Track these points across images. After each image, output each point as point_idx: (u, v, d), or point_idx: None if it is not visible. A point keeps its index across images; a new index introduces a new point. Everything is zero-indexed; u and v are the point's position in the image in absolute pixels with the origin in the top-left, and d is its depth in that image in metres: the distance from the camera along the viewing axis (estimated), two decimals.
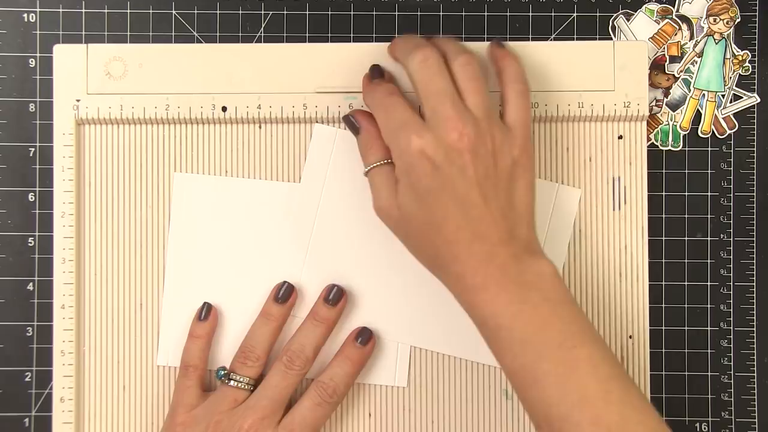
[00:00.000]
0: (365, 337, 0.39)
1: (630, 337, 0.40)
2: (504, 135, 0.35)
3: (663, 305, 0.42)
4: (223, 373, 0.38)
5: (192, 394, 0.38)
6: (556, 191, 0.41)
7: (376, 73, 0.39)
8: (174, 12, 0.42)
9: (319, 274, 0.40)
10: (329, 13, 0.42)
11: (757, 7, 0.42)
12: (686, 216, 0.42)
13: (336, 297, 0.39)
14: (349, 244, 0.40)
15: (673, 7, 0.42)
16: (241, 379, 0.38)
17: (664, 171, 0.42)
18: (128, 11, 0.42)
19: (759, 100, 0.42)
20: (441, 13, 0.42)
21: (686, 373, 0.42)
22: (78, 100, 0.40)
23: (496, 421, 0.40)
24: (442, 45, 0.37)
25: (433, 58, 0.35)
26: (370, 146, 0.37)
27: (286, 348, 0.38)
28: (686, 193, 0.42)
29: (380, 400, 0.41)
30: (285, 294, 0.39)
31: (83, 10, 0.42)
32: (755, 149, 0.42)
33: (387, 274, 0.40)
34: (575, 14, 0.42)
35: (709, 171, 0.42)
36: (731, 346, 0.42)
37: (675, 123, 0.42)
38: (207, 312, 0.40)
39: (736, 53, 0.42)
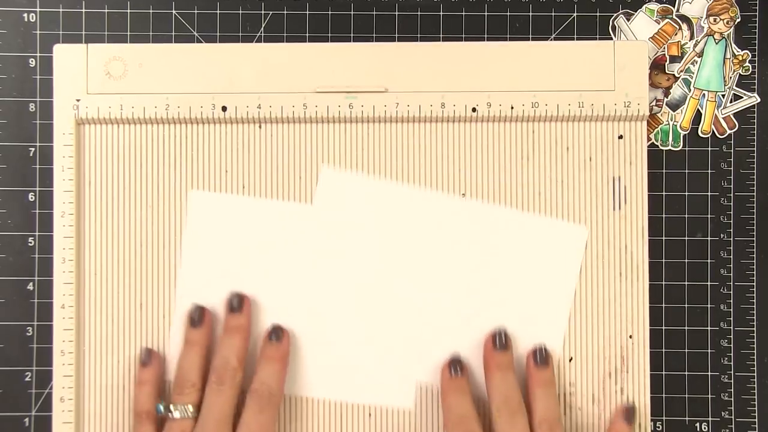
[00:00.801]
0: (278, 333, 0.39)
1: (630, 336, 0.40)
2: None
3: (663, 305, 0.42)
4: (162, 407, 0.38)
5: None
6: (561, 230, 0.40)
7: (456, 367, 0.39)
8: (174, 12, 0.42)
9: (325, 296, 0.40)
10: (329, 13, 0.42)
11: (757, 7, 0.42)
12: (686, 216, 0.42)
13: (238, 303, 0.39)
14: (353, 271, 0.40)
15: (674, 6, 0.42)
16: (181, 408, 0.37)
17: (664, 171, 0.42)
18: (128, 11, 0.42)
19: (759, 100, 0.42)
20: (441, 13, 0.42)
21: (686, 373, 0.42)
22: (78, 100, 0.40)
23: None
24: (533, 399, 0.38)
25: (521, 418, 0.37)
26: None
27: (212, 367, 0.38)
28: (686, 193, 0.42)
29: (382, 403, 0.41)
30: (198, 318, 0.39)
31: (83, 10, 0.42)
32: (755, 149, 0.42)
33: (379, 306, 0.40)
34: (575, 14, 0.42)
35: (709, 171, 0.42)
36: (731, 346, 0.42)
37: (675, 123, 0.42)
38: (150, 358, 0.40)
39: (736, 53, 0.42)
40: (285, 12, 0.42)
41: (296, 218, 0.40)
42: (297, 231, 0.40)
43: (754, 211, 0.42)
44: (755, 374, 0.42)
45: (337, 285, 0.40)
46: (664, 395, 0.42)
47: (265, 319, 0.40)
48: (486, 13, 0.42)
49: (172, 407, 0.38)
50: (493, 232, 0.40)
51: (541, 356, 0.39)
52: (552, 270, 0.40)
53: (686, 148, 0.42)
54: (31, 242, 0.42)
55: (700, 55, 0.42)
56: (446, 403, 0.38)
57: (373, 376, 0.40)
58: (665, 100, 0.42)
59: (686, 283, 0.42)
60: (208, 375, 0.38)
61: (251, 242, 0.40)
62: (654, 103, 0.42)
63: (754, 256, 0.42)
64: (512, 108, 0.40)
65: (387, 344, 0.40)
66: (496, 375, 0.38)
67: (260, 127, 0.41)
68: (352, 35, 0.42)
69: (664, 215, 0.42)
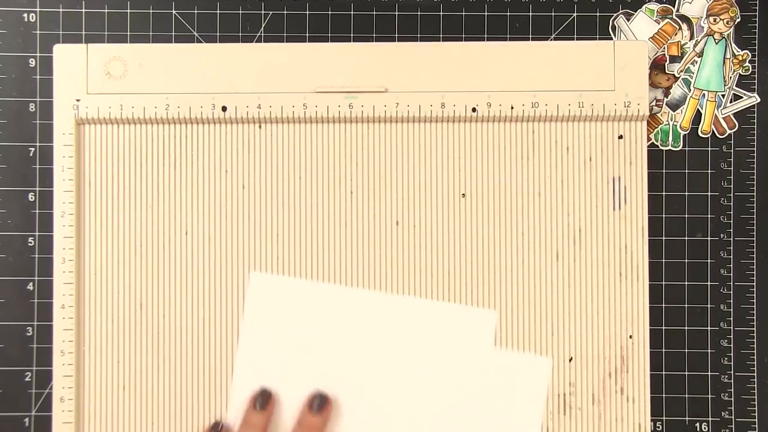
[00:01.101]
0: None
1: (630, 337, 0.40)
2: None
3: (663, 305, 0.42)
4: None
5: None
6: (524, 363, 0.40)
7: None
8: (174, 12, 0.42)
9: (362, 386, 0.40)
10: (329, 13, 0.42)
11: (757, 7, 0.42)
12: (686, 216, 0.42)
13: (263, 402, 0.39)
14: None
15: (674, 6, 0.42)
16: None
17: (664, 171, 0.42)
18: (128, 11, 0.42)
19: (759, 100, 0.42)
20: (441, 13, 0.42)
21: (686, 373, 0.42)
22: (78, 100, 0.40)
23: None
24: None
25: None
26: None
27: None
28: (686, 193, 0.42)
29: None
30: (263, 401, 0.39)
31: (83, 10, 0.42)
32: (755, 149, 0.42)
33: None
34: (575, 14, 0.42)
35: (709, 171, 0.42)
36: (731, 346, 0.42)
37: (675, 123, 0.42)
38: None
39: (736, 53, 0.42)
40: (285, 12, 0.42)
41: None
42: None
43: (754, 211, 0.42)
44: (755, 374, 0.42)
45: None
46: (664, 395, 0.42)
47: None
48: (486, 13, 0.42)
49: None
50: (458, 359, 0.40)
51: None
52: (518, 402, 0.40)
53: (686, 148, 0.42)
54: (31, 242, 0.42)
55: (700, 55, 0.42)
56: None
57: None
58: (665, 100, 0.42)
59: (686, 283, 0.42)
60: None
61: (308, 328, 0.40)
62: (654, 103, 0.42)
63: (754, 256, 0.42)
64: (512, 108, 0.40)
65: None
66: None
67: (260, 127, 0.41)
68: (352, 35, 0.42)
69: (664, 215, 0.42)
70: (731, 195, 0.42)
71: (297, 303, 0.40)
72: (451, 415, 0.40)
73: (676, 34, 0.42)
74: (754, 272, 0.42)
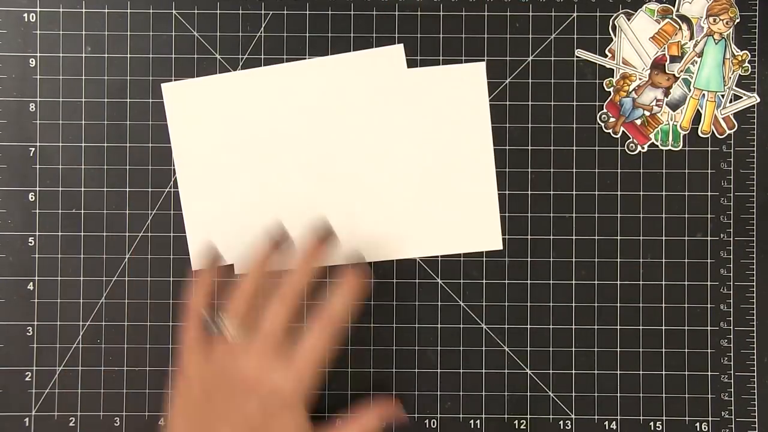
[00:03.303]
0: (361, 269, 0.38)
1: None
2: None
3: (663, 305, 0.42)
4: (219, 324, 0.37)
5: (201, 349, 0.37)
6: (462, 73, 0.42)
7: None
8: (174, 12, 0.42)
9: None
10: (329, 13, 0.42)
11: (756, 7, 0.42)
12: (686, 216, 0.42)
13: (326, 234, 0.39)
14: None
15: (674, 6, 0.42)
16: (235, 324, 0.37)
17: (664, 171, 0.42)
18: (128, 11, 0.42)
19: (759, 100, 0.42)
20: (441, 13, 0.42)
21: (686, 373, 0.42)
22: None
23: None
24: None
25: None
26: None
27: (282, 285, 0.37)
28: (686, 193, 0.42)
29: None
30: (281, 241, 0.39)
31: (83, 10, 0.42)
32: (755, 149, 0.42)
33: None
34: (575, 14, 0.42)
35: (709, 171, 0.42)
36: (731, 346, 0.42)
37: (675, 123, 0.42)
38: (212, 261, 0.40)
39: (736, 53, 0.42)
40: (285, 12, 0.42)
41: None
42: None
43: (754, 211, 0.42)
44: (755, 374, 0.42)
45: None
46: (664, 395, 0.42)
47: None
48: (486, 13, 0.42)
49: (227, 321, 0.37)
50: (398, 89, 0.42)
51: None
52: (466, 110, 0.42)
53: (686, 148, 0.42)
54: (31, 242, 0.42)
55: (700, 55, 0.42)
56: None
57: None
58: (665, 100, 0.42)
59: (686, 283, 0.42)
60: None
61: (239, 122, 0.42)
62: (654, 103, 0.42)
63: (754, 256, 0.42)
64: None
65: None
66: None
67: None
68: (352, 35, 0.42)
69: (664, 215, 0.42)
70: (731, 195, 0.42)
71: (217, 101, 0.42)
72: (406, 150, 0.42)
73: (676, 34, 0.42)
74: (754, 272, 0.42)
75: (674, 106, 0.42)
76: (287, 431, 0.35)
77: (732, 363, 0.42)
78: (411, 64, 0.42)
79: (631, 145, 0.42)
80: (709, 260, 0.42)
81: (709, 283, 0.42)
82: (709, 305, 0.42)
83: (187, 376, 0.37)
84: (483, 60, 0.42)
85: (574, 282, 0.42)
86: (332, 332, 0.37)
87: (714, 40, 0.42)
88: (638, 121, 0.42)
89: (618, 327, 0.42)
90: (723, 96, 0.42)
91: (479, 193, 0.42)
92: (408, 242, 0.42)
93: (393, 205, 0.42)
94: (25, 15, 0.42)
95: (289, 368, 0.35)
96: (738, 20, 0.42)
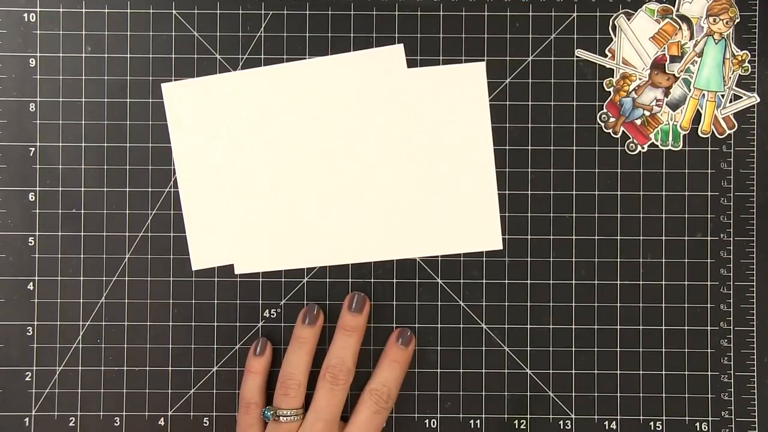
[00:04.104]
0: (405, 337, 0.40)
1: None
2: None
3: (663, 305, 0.42)
4: (270, 414, 0.39)
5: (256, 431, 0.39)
6: (462, 72, 0.42)
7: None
8: (174, 12, 0.42)
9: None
10: (329, 13, 0.42)
11: (756, 7, 0.42)
12: (686, 216, 0.42)
13: (359, 305, 0.40)
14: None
15: (674, 6, 0.42)
16: (289, 413, 0.38)
17: (664, 171, 0.42)
18: (128, 11, 0.42)
19: (759, 100, 0.42)
20: (441, 13, 0.42)
21: (686, 373, 0.42)
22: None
23: None
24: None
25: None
26: None
27: (326, 365, 0.39)
28: (686, 193, 0.42)
29: None
30: (313, 317, 0.40)
31: (83, 10, 0.42)
32: (755, 149, 0.42)
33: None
34: (575, 14, 0.42)
35: (709, 171, 0.42)
36: (731, 345, 0.42)
37: (675, 123, 0.42)
38: (263, 347, 0.40)
39: (736, 53, 0.42)
40: (285, 12, 0.42)
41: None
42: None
43: (754, 211, 0.42)
44: (755, 374, 0.42)
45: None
46: (664, 395, 0.42)
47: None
48: (486, 13, 0.42)
49: (279, 413, 0.38)
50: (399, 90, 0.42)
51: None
52: (466, 110, 0.42)
53: (686, 148, 0.42)
54: (31, 242, 0.42)
55: (700, 55, 0.42)
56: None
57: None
58: (665, 100, 0.42)
59: (686, 283, 0.42)
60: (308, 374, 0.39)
61: (239, 123, 0.42)
62: (654, 103, 0.42)
63: (754, 256, 0.42)
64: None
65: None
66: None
67: None
68: (352, 35, 0.42)
69: (664, 215, 0.42)
70: (731, 195, 0.42)
71: (217, 101, 0.42)
72: (406, 150, 0.42)
73: (676, 34, 0.42)
74: (754, 272, 0.42)
75: (674, 106, 0.42)
76: None
77: (732, 363, 0.42)
78: (411, 64, 0.42)
79: (631, 145, 0.42)
80: (709, 260, 0.42)
81: (709, 283, 0.42)
82: (709, 305, 0.42)
83: None
84: (483, 60, 0.42)
85: (574, 282, 0.42)
86: (385, 408, 0.38)
87: (714, 40, 0.42)
88: (638, 121, 0.42)
89: (618, 327, 0.42)
90: (723, 96, 0.42)
91: (479, 193, 0.42)
92: (408, 242, 0.42)
93: (393, 204, 0.42)
94: (25, 15, 0.42)
95: None
96: (738, 20, 0.42)
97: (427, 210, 0.42)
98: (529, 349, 0.42)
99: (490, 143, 0.42)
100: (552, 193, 0.42)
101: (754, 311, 0.42)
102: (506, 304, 0.42)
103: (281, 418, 0.38)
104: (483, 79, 0.42)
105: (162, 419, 0.42)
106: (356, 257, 0.42)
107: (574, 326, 0.42)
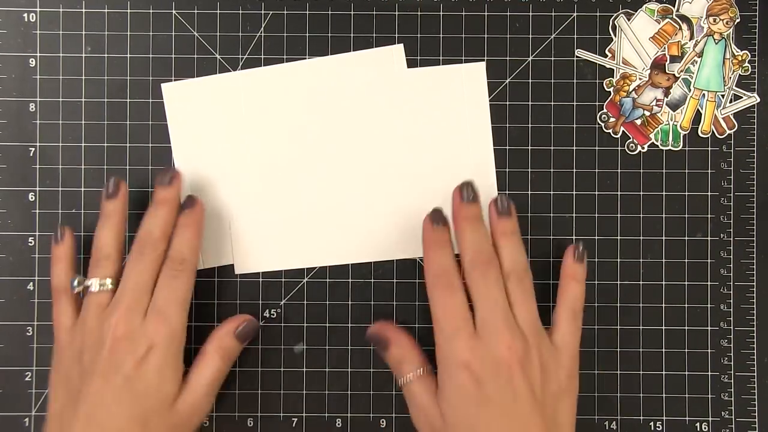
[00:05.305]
0: (191, 201, 0.39)
1: None
2: (551, 355, 0.36)
3: (663, 305, 0.42)
4: (76, 282, 0.38)
5: (67, 315, 0.38)
6: (462, 72, 0.42)
7: (438, 220, 0.38)
8: (174, 12, 0.42)
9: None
10: (329, 13, 0.42)
11: (757, 7, 0.42)
12: (686, 216, 0.42)
13: (169, 177, 0.39)
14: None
15: (674, 6, 0.42)
16: (95, 282, 0.38)
17: (664, 171, 0.42)
18: (128, 11, 0.42)
19: (759, 100, 0.42)
20: (441, 13, 0.42)
21: (686, 373, 0.42)
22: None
23: None
24: (500, 251, 0.38)
25: (494, 269, 0.36)
26: (404, 359, 0.38)
27: (135, 237, 0.38)
28: (686, 193, 0.42)
29: None
30: (114, 189, 0.39)
31: (83, 10, 0.42)
32: (755, 149, 0.42)
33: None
34: (575, 14, 0.42)
35: (709, 171, 0.42)
36: (731, 346, 0.42)
37: (675, 123, 0.42)
38: (62, 234, 0.40)
39: (736, 53, 0.42)
40: (285, 12, 0.42)
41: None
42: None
43: (754, 211, 0.42)
44: (755, 374, 0.42)
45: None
46: (664, 395, 0.42)
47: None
48: (486, 13, 0.42)
49: (86, 282, 0.38)
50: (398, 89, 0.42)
51: (503, 206, 0.38)
52: (466, 110, 0.42)
53: (686, 148, 0.42)
54: (31, 242, 0.42)
55: (700, 55, 0.42)
56: (428, 256, 0.37)
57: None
58: (665, 100, 0.42)
59: (686, 283, 0.42)
60: (124, 248, 0.39)
61: (239, 122, 0.42)
62: (654, 103, 0.42)
63: (754, 256, 0.42)
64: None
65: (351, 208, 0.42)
66: (467, 228, 0.37)
67: None
68: (352, 35, 0.42)
69: (664, 215, 0.42)
70: (731, 195, 0.42)
71: (217, 101, 0.42)
72: (406, 151, 0.42)
73: (676, 34, 0.42)
74: (754, 272, 0.42)
75: (674, 106, 0.42)
76: (161, 373, 0.36)
77: (732, 363, 0.42)
78: (411, 64, 0.42)
79: (631, 145, 0.42)
80: (709, 260, 0.42)
81: (709, 283, 0.42)
82: (709, 305, 0.42)
83: (59, 341, 0.38)
84: (483, 60, 0.42)
85: None
86: (182, 270, 0.37)
87: (714, 40, 0.42)
88: (638, 121, 0.42)
89: (618, 327, 0.42)
90: (723, 96, 0.42)
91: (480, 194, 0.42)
92: (408, 242, 0.41)
93: (393, 205, 0.42)
94: (25, 15, 0.42)
95: (154, 314, 0.36)
96: (738, 20, 0.42)
97: (427, 210, 0.41)
98: None
99: (490, 143, 0.42)
100: (552, 193, 0.42)
101: (754, 311, 0.42)
102: None
103: (91, 287, 0.37)
104: (483, 79, 0.42)
105: None
106: (356, 257, 0.42)
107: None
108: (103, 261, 0.38)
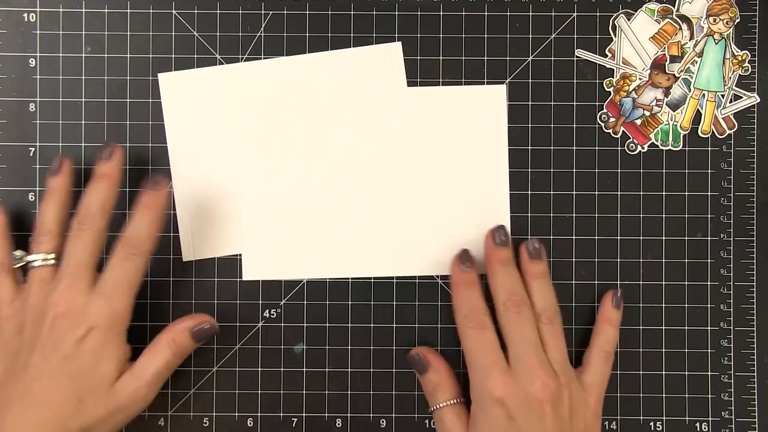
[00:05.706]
0: (156, 182, 0.39)
1: None
2: (580, 394, 0.38)
3: (663, 305, 0.42)
4: (18, 257, 0.39)
5: (8, 288, 0.38)
6: (483, 93, 0.42)
7: (466, 261, 0.39)
8: (174, 12, 0.42)
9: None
10: (329, 13, 0.42)
11: (757, 7, 0.42)
12: (686, 216, 0.42)
13: (108, 152, 0.39)
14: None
15: (674, 6, 0.42)
16: (38, 257, 0.38)
17: (664, 171, 0.42)
18: (128, 11, 0.42)
19: (759, 100, 0.42)
20: (441, 13, 0.42)
21: (686, 373, 0.42)
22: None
23: None
24: (531, 292, 0.39)
25: (527, 310, 0.38)
26: (439, 386, 0.39)
27: (75, 213, 0.38)
28: (686, 193, 0.42)
29: None
30: (57, 166, 0.39)
31: (83, 10, 0.42)
32: (755, 149, 0.42)
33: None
34: (575, 14, 0.42)
35: (709, 171, 0.42)
36: (731, 346, 0.42)
37: (675, 123, 0.42)
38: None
39: (736, 53, 0.42)
40: (285, 12, 0.42)
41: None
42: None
43: (754, 211, 0.42)
44: (755, 374, 0.42)
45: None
46: (664, 395, 0.42)
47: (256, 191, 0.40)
48: (486, 13, 0.42)
49: (28, 257, 0.38)
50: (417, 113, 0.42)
51: (534, 250, 0.40)
52: (484, 132, 0.42)
53: (686, 148, 0.42)
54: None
55: (700, 55, 0.42)
56: (457, 296, 0.39)
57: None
58: (665, 100, 0.42)
59: (686, 283, 0.42)
60: (67, 224, 0.39)
61: (236, 116, 0.42)
62: (654, 103, 0.42)
63: (754, 256, 0.42)
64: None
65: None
66: (500, 270, 0.39)
67: None
68: (352, 35, 0.42)
69: (664, 215, 0.42)
70: (731, 195, 0.42)
71: (214, 92, 0.42)
72: (422, 161, 0.42)
73: (676, 34, 0.42)
74: (754, 272, 0.42)
75: (674, 106, 0.42)
76: (100, 353, 0.36)
77: (732, 363, 0.42)
78: (411, 63, 0.42)
79: (631, 145, 0.42)
80: (709, 260, 0.42)
81: (709, 283, 0.42)
82: (709, 305, 0.42)
83: (0, 314, 0.38)
84: (504, 83, 0.42)
85: (574, 282, 0.42)
86: (136, 254, 0.37)
87: (714, 40, 0.42)
88: (638, 121, 0.42)
89: (618, 327, 0.42)
90: (723, 96, 0.42)
91: (492, 214, 0.42)
92: (422, 258, 0.42)
93: (395, 221, 0.41)
94: (25, 15, 0.42)
95: (98, 294, 0.36)
96: (738, 20, 0.42)
97: (437, 228, 0.41)
98: None
99: (506, 163, 0.42)
100: (552, 193, 0.42)
101: (754, 311, 0.42)
102: None
103: (35, 262, 0.38)
104: (503, 101, 0.42)
105: (162, 419, 0.42)
106: (361, 271, 0.41)
107: (574, 326, 0.42)
108: (46, 236, 0.38)
